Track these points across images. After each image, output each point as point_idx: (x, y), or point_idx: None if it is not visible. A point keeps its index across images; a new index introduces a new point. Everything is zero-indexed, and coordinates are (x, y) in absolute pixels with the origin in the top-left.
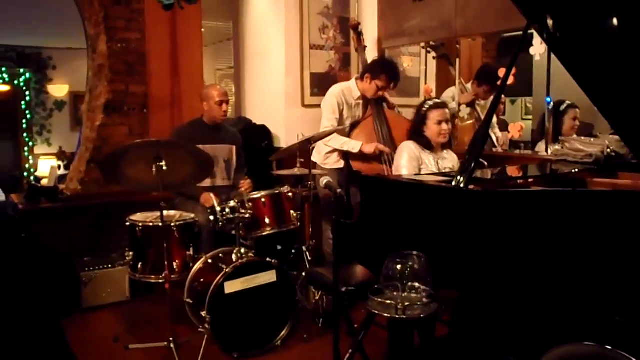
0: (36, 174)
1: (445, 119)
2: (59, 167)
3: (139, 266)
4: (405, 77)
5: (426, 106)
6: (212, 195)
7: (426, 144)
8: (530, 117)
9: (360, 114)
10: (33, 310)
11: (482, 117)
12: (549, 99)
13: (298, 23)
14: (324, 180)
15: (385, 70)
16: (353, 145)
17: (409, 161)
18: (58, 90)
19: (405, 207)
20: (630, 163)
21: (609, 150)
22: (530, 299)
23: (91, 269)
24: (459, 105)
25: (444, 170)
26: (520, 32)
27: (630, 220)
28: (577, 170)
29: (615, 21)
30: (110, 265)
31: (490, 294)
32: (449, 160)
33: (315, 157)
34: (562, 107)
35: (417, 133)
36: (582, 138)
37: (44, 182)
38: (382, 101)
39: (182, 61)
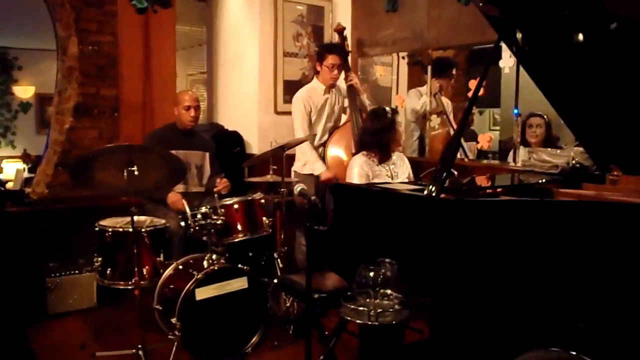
0: (0, 176)
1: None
2: (24, 170)
3: (108, 272)
4: (377, 87)
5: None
6: (181, 198)
7: (384, 155)
8: (497, 127)
9: (333, 106)
10: None
11: (453, 125)
12: (516, 111)
13: (272, 30)
14: (297, 188)
15: (328, 49)
16: (318, 167)
17: (358, 178)
18: (24, 91)
19: (378, 215)
20: (594, 174)
21: (574, 161)
22: (499, 306)
23: (57, 274)
24: (430, 114)
25: (396, 177)
26: (490, 45)
27: (594, 229)
28: (543, 180)
29: (580, 36)
30: (77, 271)
31: (462, 300)
32: (400, 166)
33: (295, 167)
34: (524, 118)
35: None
36: (549, 149)
37: (9, 185)
38: (360, 110)
39: (154, 65)
